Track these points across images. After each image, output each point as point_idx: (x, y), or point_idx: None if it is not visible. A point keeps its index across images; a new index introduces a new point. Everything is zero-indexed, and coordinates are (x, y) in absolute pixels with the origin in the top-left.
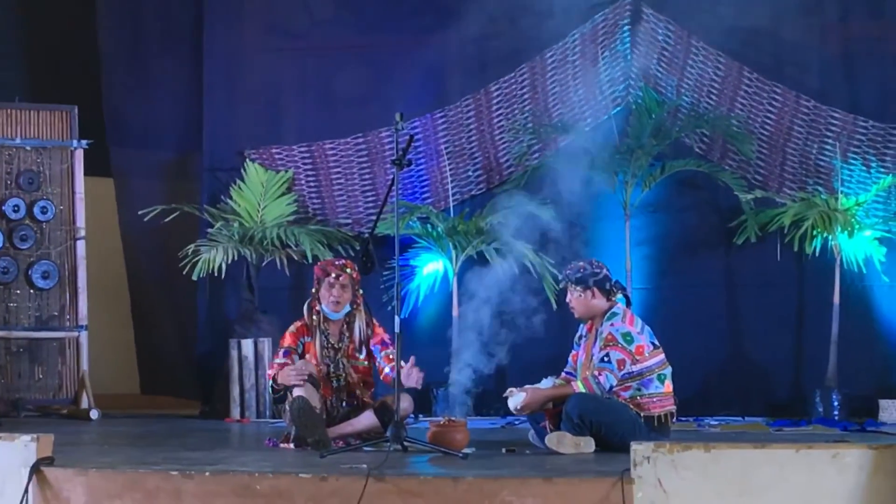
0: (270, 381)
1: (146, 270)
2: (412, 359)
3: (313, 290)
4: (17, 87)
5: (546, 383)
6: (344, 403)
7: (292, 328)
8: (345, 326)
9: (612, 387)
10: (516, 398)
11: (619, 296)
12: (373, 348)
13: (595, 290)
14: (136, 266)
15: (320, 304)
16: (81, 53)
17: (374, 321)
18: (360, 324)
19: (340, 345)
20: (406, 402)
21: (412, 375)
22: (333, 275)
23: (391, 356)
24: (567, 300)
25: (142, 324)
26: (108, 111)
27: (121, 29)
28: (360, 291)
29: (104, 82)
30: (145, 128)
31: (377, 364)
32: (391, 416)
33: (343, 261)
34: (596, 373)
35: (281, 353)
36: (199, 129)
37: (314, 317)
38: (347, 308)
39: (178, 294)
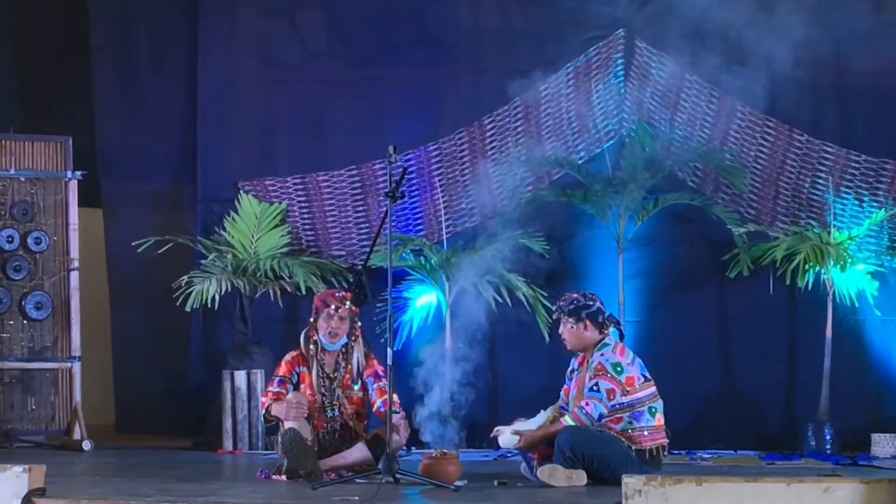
0: (263, 411)
1: (132, 302)
2: (402, 414)
3: (311, 321)
4: (10, 118)
5: (541, 416)
6: (337, 435)
7: (288, 357)
8: (340, 357)
9: (601, 416)
10: (509, 440)
11: (613, 329)
12: (366, 380)
13: (587, 322)
14: (120, 298)
15: (318, 334)
16: (75, 85)
17: (372, 353)
18: (357, 355)
19: (336, 375)
20: (398, 435)
21: (400, 430)
22: (333, 306)
23: (384, 388)
24: (560, 332)
25: (122, 358)
26: (101, 142)
27: (114, 61)
28: (359, 324)
29: (97, 114)
30: (137, 159)
31: (370, 396)
32: (383, 448)
33: (342, 293)
34: (584, 403)
35: (276, 381)
36: (190, 161)
37: (311, 346)
38: (344, 339)
39: (168, 325)
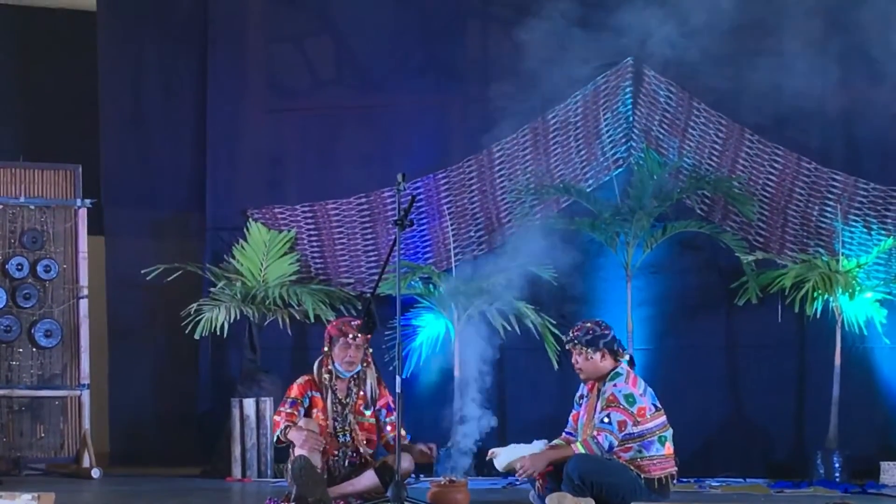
0: (278, 432)
1: (133, 330)
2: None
3: (325, 349)
4: (17, 146)
5: (538, 445)
6: (347, 461)
7: (301, 380)
8: (352, 383)
9: (611, 447)
10: (505, 457)
11: (625, 357)
12: (378, 412)
13: (605, 351)
14: (119, 327)
15: (333, 363)
16: (81, 113)
17: (381, 381)
18: (371, 381)
19: (348, 401)
20: (407, 462)
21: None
22: (350, 335)
23: (394, 423)
24: (573, 361)
25: (119, 387)
26: (106, 170)
27: (122, 88)
28: (370, 350)
29: (102, 141)
30: (142, 187)
31: (382, 429)
32: (392, 475)
33: (357, 321)
34: (595, 433)
35: (287, 402)
36: (196, 189)
37: (326, 375)
38: (358, 367)
39: (171, 354)
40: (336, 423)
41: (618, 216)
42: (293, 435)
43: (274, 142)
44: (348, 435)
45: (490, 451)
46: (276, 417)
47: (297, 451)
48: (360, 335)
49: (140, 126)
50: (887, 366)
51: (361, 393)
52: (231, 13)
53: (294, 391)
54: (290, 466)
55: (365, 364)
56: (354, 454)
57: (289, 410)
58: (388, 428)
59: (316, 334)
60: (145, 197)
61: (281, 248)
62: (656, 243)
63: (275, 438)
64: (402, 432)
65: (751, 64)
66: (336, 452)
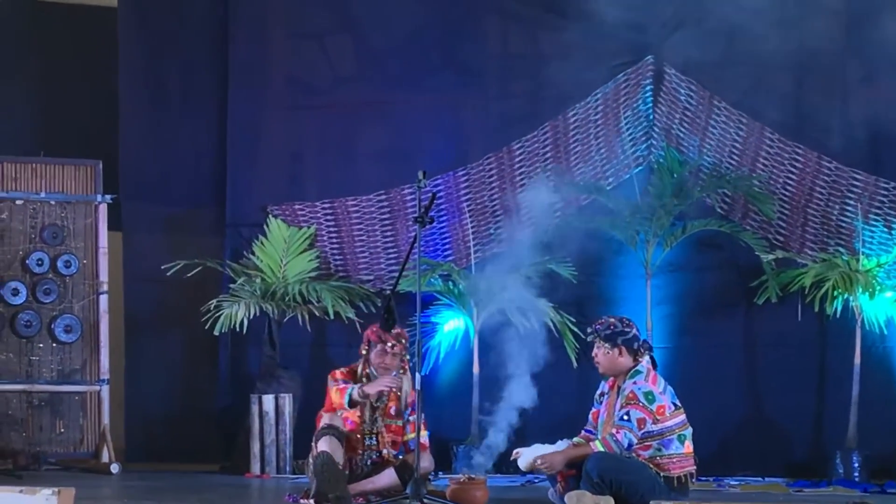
0: (347, 395)
1: (150, 326)
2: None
3: (364, 352)
4: (38, 141)
5: (561, 445)
6: (370, 462)
7: (343, 370)
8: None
9: (630, 445)
10: (528, 457)
11: (647, 356)
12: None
13: (622, 348)
14: (136, 322)
15: (369, 367)
16: (101, 109)
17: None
18: (406, 388)
19: (378, 404)
20: (427, 462)
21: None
22: (389, 343)
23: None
24: (593, 354)
25: (135, 383)
26: (124, 166)
27: (142, 84)
28: (407, 357)
29: (122, 137)
30: (161, 182)
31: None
32: (412, 474)
33: (398, 329)
34: (614, 431)
35: (341, 382)
36: (215, 185)
37: (363, 380)
38: (394, 374)
39: (189, 350)
40: (364, 426)
41: (638, 214)
42: (369, 387)
43: (294, 138)
44: (375, 438)
45: (514, 452)
46: (335, 387)
47: (320, 447)
48: (398, 344)
49: (159, 121)
50: None
51: (393, 396)
52: (252, 9)
53: (339, 375)
54: (312, 462)
55: (402, 371)
56: (377, 455)
57: (343, 384)
58: (409, 427)
59: (335, 331)
60: (163, 192)
61: (301, 244)
62: (676, 242)
63: (346, 401)
64: (423, 431)
65: (771, 62)
66: (360, 452)
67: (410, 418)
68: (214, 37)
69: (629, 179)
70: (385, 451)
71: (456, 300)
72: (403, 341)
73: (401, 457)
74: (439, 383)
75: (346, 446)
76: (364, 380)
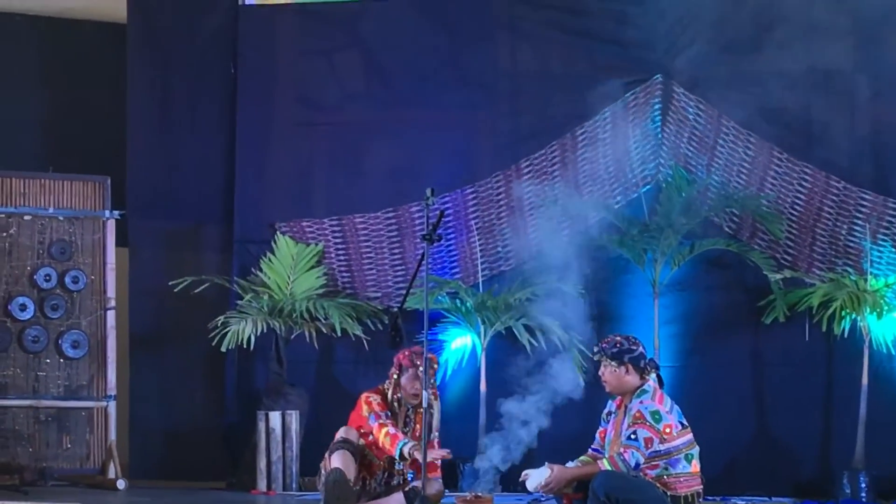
0: (400, 446)
1: (155, 342)
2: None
3: (394, 377)
4: (46, 157)
5: (570, 466)
6: (384, 483)
7: (376, 399)
8: (411, 411)
9: (637, 464)
10: (536, 478)
11: (653, 375)
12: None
13: (629, 366)
14: (141, 338)
15: (399, 391)
16: (109, 125)
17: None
18: (437, 415)
19: (406, 430)
20: (437, 486)
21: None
22: (421, 368)
23: (431, 441)
24: (600, 372)
25: (140, 399)
26: (132, 181)
27: (150, 101)
28: (436, 382)
29: (129, 153)
30: (168, 198)
31: None
32: (421, 500)
33: (430, 354)
34: (622, 450)
35: (383, 416)
36: (223, 202)
37: (394, 404)
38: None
39: (194, 367)
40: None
41: (646, 233)
42: (418, 453)
43: (302, 155)
44: (399, 463)
45: (523, 473)
46: (380, 424)
47: (334, 463)
48: (431, 369)
49: (167, 138)
50: None
51: (429, 422)
52: (260, 27)
53: (375, 406)
54: (324, 478)
55: (433, 396)
56: (391, 476)
57: (393, 429)
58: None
59: (343, 348)
60: (171, 209)
61: (308, 261)
62: (684, 261)
63: (397, 453)
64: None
65: (779, 81)
66: (377, 472)
67: (434, 441)
68: (224, 54)
69: (637, 198)
70: (406, 472)
71: (463, 318)
72: (435, 366)
73: (412, 480)
74: (446, 401)
75: (362, 464)
76: (395, 404)
